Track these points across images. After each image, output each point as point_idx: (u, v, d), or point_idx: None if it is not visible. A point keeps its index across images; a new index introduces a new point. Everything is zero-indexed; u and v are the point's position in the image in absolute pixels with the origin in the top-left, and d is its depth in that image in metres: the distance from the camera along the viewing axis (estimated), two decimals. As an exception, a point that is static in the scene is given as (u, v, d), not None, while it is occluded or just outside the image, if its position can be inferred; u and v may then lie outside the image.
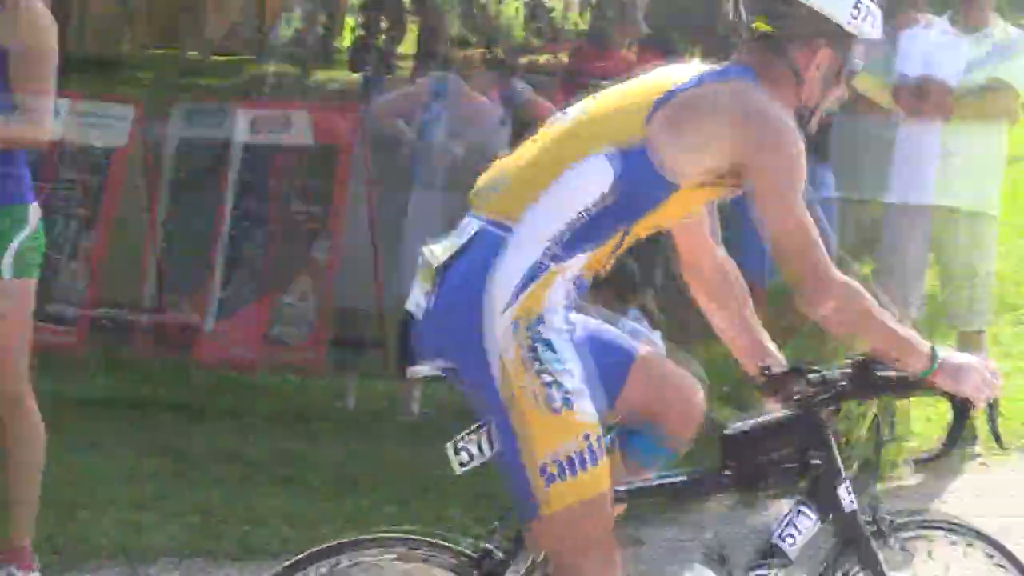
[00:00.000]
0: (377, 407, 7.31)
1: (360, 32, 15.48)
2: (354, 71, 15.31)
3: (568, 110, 3.17)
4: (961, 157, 6.04)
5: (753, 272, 3.80)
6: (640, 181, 2.95)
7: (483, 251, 2.98)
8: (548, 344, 2.93)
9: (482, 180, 3.16)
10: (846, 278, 3.00)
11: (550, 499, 2.90)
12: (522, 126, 7.32)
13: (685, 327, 4.99)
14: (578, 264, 3.00)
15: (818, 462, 3.19)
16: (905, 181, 6.77)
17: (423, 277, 3.09)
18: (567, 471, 2.89)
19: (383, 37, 14.91)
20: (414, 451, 6.16)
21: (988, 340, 7.04)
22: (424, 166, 7.23)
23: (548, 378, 2.91)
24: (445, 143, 7.14)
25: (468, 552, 3.08)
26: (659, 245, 4.33)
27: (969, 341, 6.61)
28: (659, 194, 2.98)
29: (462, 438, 3.09)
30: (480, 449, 3.06)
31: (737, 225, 3.76)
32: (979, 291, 6.73)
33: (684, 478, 3.20)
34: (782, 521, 3.21)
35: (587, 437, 2.91)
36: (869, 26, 3.14)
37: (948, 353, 3.11)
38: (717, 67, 3.10)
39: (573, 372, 2.94)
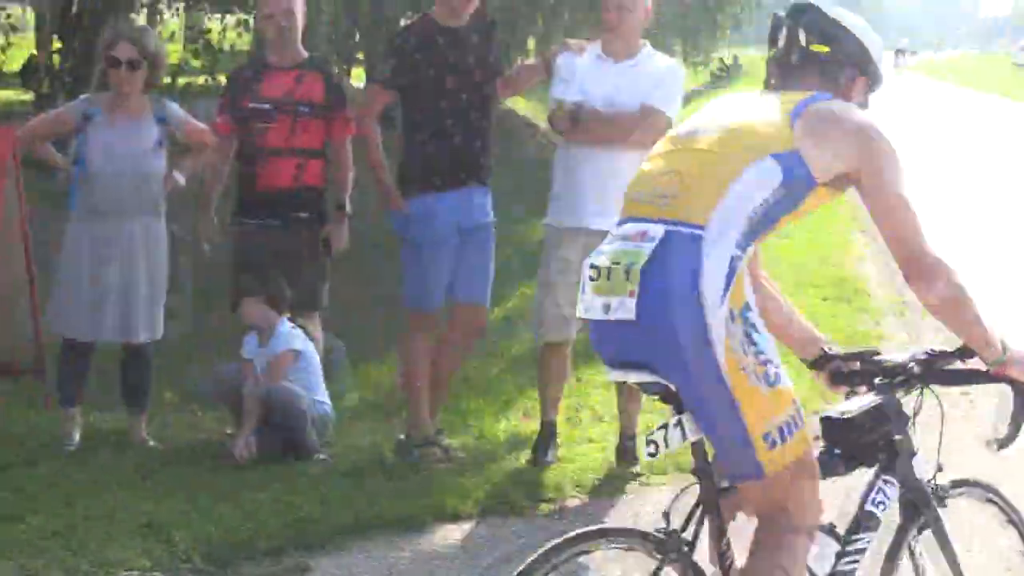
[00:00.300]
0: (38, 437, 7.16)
1: (34, 52, 15.01)
2: (28, 90, 14.80)
3: (692, 125, 3.64)
4: (615, 181, 6.30)
5: None
6: (796, 179, 3.44)
7: (683, 253, 3.31)
8: (755, 327, 3.36)
9: (639, 189, 3.56)
10: (951, 265, 3.47)
11: (774, 461, 3.38)
12: (177, 148, 7.21)
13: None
14: (752, 253, 3.47)
15: (900, 438, 3.79)
16: (562, 204, 6.98)
17: (604, 287, 3.38)
18: (785, 436, 3.38)
19: (57, 56, 14.46)
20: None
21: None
22: (80, 192, 6.97)
23: (763, 357, 3.36)
24: (104, 167, 6.89)
25: (658, 536, 3.47)
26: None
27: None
28: (807, 191, 3.48)
29: (653, 432, 3.51)
30: (667, 442, 3.48)
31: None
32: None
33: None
34: (870, 492, 3.80)
35: (794, 403, 3.43)
36: (883, 72, 3.77)
37: (1015, 346, 3.60)
38: (812, 93, 3.61)
39: (774, 349, 3.43)
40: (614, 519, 6.18)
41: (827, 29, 3.71)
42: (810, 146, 3.45)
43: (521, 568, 3.30)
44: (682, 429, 3.46)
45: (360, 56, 18.21)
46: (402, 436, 7.17)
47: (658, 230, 3.35)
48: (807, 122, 3.49)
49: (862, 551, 3.77)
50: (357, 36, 16.57)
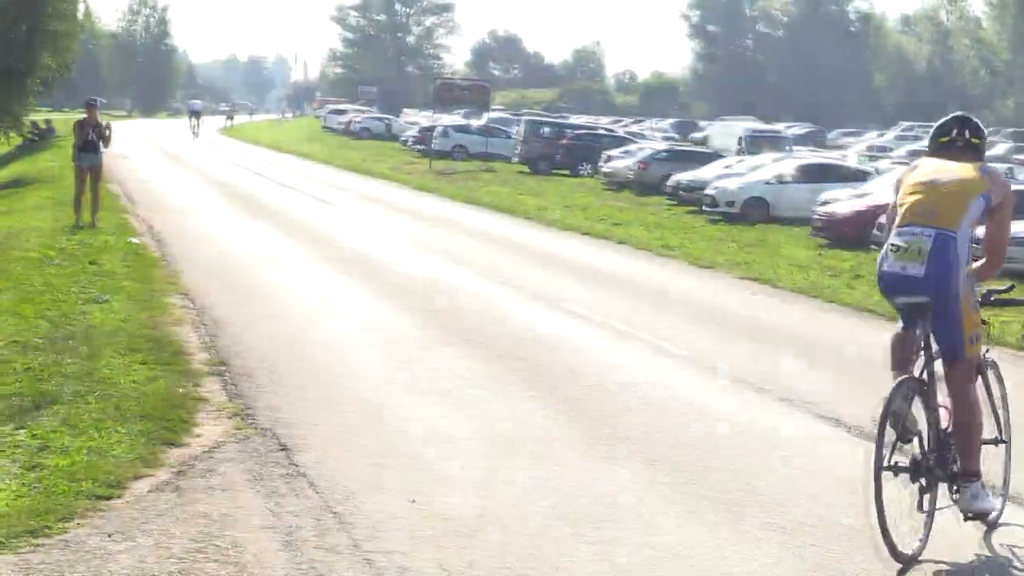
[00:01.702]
0: None
1: None
2: None
3: (928, 178, 7.57)
4: None
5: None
6: (987, 206, 7.49)
7: (948, 246, 7.28)
8: (972, 285, 7.51)
9: (915, 210, 7.44)
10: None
11: (970, 349, 7.43)
12: None
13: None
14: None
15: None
16: None
17: (909, 256, 7.32)
18: (974, 340, 7.45)
19: None
20: None
21: None
22: None
23: (974, 300, 7.51)
24: None
25: (905, 465, 7.11)
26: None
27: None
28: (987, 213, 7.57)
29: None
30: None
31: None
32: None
33: None
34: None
35: (982, 323, 7.59)
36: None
37: None
38: (984, 164, 7.80)
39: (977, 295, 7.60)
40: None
41: (978, 131, 7.93)
42: (993, 190, 7.53)
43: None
44: (924, 327, 7.45)
45: None
46: None
47: (931, 231, 7.33)
48: (988, 178, 7.59)
49: None
50: None
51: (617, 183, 42.68)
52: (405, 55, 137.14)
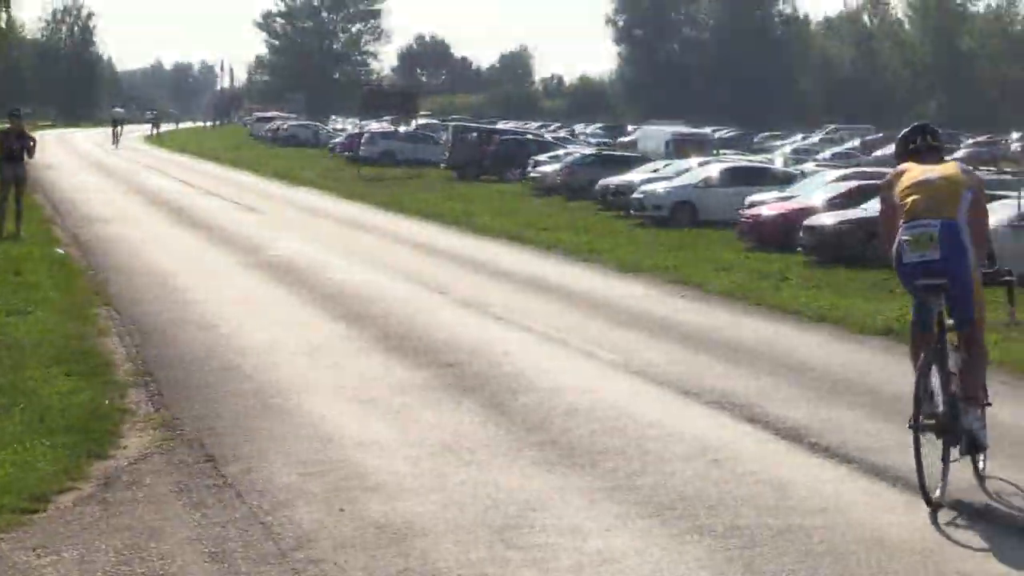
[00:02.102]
0: None
1: None
2: None
3: (922, 179, 8.89)
4: None
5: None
6: (973, 200, 8.90)
7: (956, 233, 8.65)
8: (978, 265, 8.90)
9: (920, 206, 8.73)
10: None
11: (978, 314, 8.88)
12: None
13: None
14: None
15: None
16: None
17: (922, 246, 8.63)
18: (982, 307, 8.93)
19: None
20: None
21: None
22: None
23: (980, 277, 8.96)
24: None
25: (927, 422, 8.48)
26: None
27: None
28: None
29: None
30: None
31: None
32: None
33: None
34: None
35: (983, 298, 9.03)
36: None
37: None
38: (960, 163, 9.72)
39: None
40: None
41: (937, 135, 9.54)
42: (974, 185, 9.02)
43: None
44: (939, 304, 8.73)
45: None
46: None
47: (936, 222, 8.63)
48: (965, 175, 9.09)
49: None
50: None
51: (545, 188, 42.77)
52: (332, 62, 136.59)
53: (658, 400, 11.65)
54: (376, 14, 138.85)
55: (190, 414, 10.40)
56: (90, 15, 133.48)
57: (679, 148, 47.36)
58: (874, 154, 59.64)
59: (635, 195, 34.06)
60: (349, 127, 76.27)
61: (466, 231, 29.15)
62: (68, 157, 56.74)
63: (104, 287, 17.28)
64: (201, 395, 11.10)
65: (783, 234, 26.28)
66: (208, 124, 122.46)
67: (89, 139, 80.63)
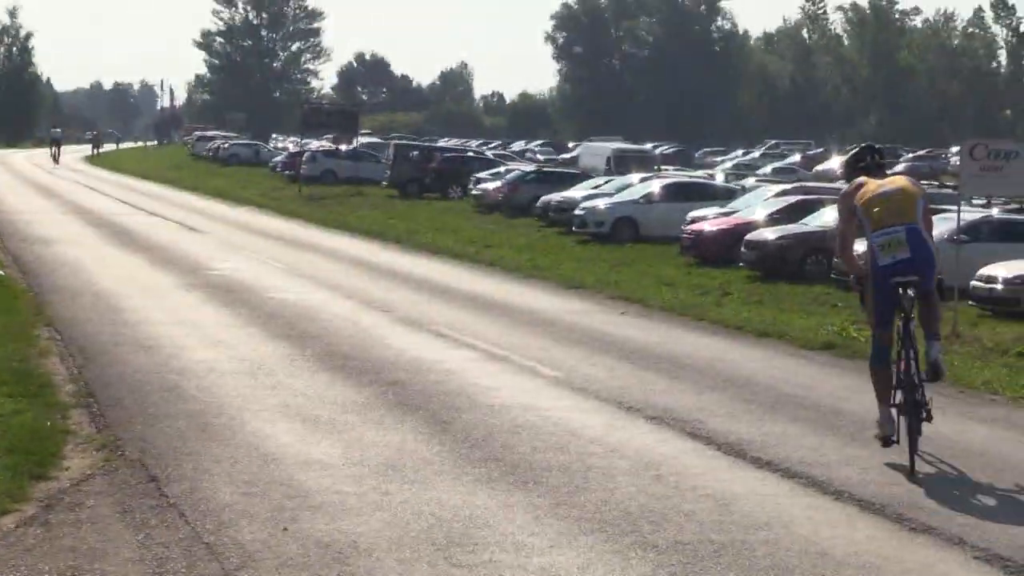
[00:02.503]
0: None
1: None
2: None
3: (884, 192, 10.28)
4: None
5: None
6: (922, 207, 10.32)
7: (919, 234, 10.06)
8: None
9: (885, 215, 10.12)
10: None
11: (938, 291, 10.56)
12: None
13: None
14: None
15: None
16: None
17: (893, 248, 10.01)
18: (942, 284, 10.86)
19: None
20: None
21: None
22: None
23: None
24: None
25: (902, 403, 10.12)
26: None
27: None
28: None
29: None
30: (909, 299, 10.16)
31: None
32: None
33: None
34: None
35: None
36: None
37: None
38: (909, 176, 11.59)
39: None
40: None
41: (880, 155, 10.93)
42: (923, 195, 10.42)
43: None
44: (909, 297, 10.04)
45: None
46: None
47: (901, 226, 10.02)
48: (918, 186, 10.61)
49: None
50: None
51: (487, 205, 42.86)
52: (272, 80, 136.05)
53: (601, 416, 11.70)
54: (315, 32, 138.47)
55: (132, 435, 10.33)
56: (28, 35, 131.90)
57: (620, 164, 47.53)
58: (815, 169, 60.23)
59: (577, 211, 34.19)
60: (290, 146, 75.99)
61: (408, 249, 29.14)
62: (8, 178, 56.17)
63: (46, 308, 17.13)
64: (143, 415, 11.03)
65: (725, 249, 26.48)
66: (149, 144, 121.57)
67: (29, 160, 79.85)
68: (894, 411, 10.05)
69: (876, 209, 10.18)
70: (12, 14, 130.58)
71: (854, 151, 11.20)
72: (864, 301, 10.61)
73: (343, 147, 61.10)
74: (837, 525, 8.50)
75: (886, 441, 10.00)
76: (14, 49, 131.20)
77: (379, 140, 72.86)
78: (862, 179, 10.54)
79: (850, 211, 10.48)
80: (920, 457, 9.94)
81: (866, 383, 10.77)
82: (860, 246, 10.99)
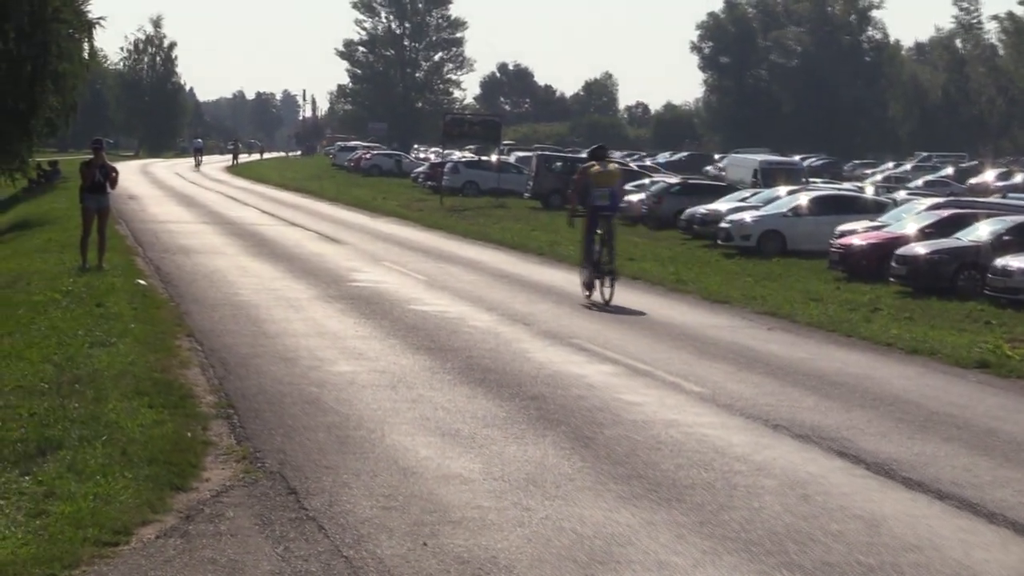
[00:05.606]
0: None
1: None
2: None
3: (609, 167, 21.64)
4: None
5: None
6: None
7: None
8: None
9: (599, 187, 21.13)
10: None
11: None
12: None
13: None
14: None
15: None
16: None
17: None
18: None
19: None
20: None
21: None
22: None
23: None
24: None
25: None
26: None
27: None
28: None
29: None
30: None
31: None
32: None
33: None
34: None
35: None
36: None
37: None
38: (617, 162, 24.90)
39: None
40: None
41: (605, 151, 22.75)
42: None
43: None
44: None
45: None
46: None
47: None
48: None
49: None
50: None
51: (631, 217, 42.57)
52: (414, 90, 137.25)
53: (746, 433, 11.42)
54: (458, 42, 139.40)
55: (272, 447, 10.34)
56: (172, 45, 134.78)
57: (767, 177, 46.88)
58: (968, 182, 58.80)
59: (722, 224, 33.78)
60: (432, 156, 76.57)
61: (550, 261, 29.03)
62: (150, 188, 57.46)
63: (186, 318, 17.34)
64: (283, 427, 11.05)
65: (875, 264, 25.92)
66: (291, 154, 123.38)
67: (171, 169, 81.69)
68: None
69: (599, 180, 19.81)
70: (156, 24, 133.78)
71: None
72: None
73: (486, 158, 61.31)
74: (990, 548, 8.17)
75: None
76: (158, 59, 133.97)
77: (524, 151, 73.02)
78: None
79: None
80: None
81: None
82: None
